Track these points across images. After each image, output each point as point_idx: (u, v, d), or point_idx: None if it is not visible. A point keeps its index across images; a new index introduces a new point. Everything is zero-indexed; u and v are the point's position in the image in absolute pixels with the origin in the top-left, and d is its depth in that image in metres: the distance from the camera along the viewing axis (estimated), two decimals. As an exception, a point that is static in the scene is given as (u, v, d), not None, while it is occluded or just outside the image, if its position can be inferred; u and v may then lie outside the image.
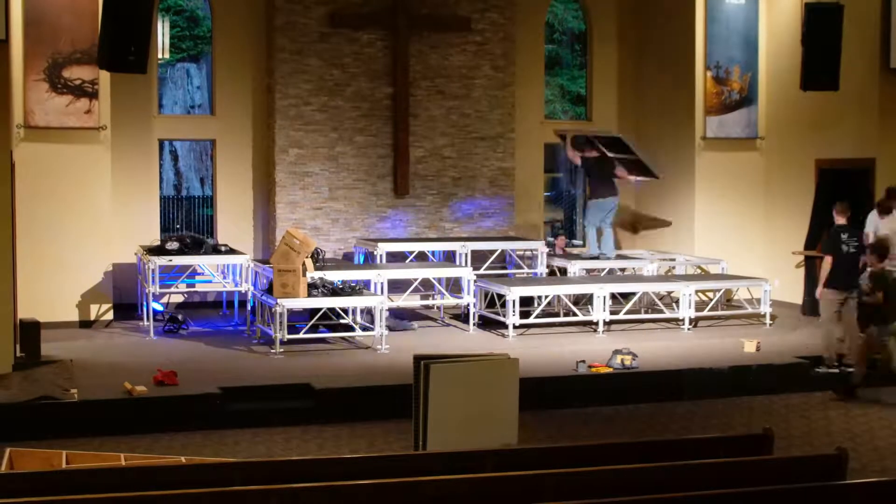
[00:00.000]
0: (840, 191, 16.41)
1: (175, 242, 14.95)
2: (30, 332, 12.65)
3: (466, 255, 15.97)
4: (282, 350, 13.22)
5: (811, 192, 16.75)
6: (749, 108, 18.21)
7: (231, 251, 15.26)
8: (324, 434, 10.75)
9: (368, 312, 14.27)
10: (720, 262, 16.55)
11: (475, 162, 17.60)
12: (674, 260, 17.12)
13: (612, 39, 19.20)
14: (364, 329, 14.10)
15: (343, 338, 14.24)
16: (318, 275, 14.06)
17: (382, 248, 15.66)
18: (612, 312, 14.75)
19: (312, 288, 13.74)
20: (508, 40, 17.76)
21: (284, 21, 16.54)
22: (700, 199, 17.89)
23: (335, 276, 14.78)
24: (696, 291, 15.40)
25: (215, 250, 15.13)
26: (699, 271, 16.82)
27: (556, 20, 19.26)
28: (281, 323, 13.18)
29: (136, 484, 6.48)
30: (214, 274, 15.38)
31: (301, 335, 13.65)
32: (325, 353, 13.62)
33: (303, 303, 13.57)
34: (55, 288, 14.75)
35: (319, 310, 13.82)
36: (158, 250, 14.85)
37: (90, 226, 15.11)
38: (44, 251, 14.74)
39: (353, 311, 14.27)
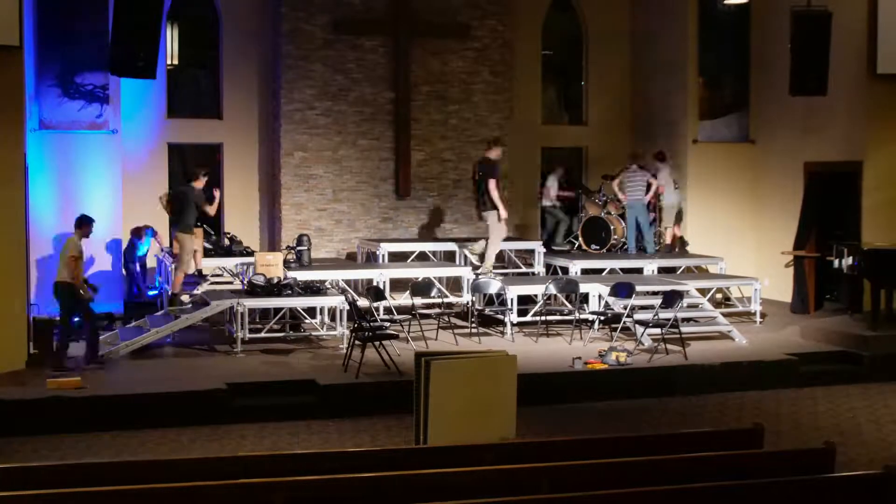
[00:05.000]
0: (828, 192, 16.73)
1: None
2: (43, 330, 12.88)
3: (466, 255, 16.24)
4: (242, 350, 13.43)
5: (800, 194, 16.99)
6: (740, 112, 18.52)
7: (251, 253, 15.48)
8: (328, 428, 10.98)
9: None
10: (719, 263, 16.79)
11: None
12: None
13: (607, 46, 19.45)
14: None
15: (306, 337, 14.46)
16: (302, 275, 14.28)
17: (384, 248, 15.91)
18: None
19: (285, 288, 13.94)
20: (507, 47, 17.99)
21: (290, 28, 16.80)
22: (692, 201, 18.17)
23: (337, 276, 15.08)
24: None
25: (237, 252, 15.37)
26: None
27: (554, 27, 19.49)
28: (243, 323, 13.40)
29: (145, 477, 6.62)
30: (234, 276, 15.65)
31: (262, 335, 13.86)
32: (290, 351, 13.82)
33: (266, 302, 13.83)
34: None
35: (281, 309, 14.09)
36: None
37: (101, 227, 15.36)
38: (56, 252, 14.98)
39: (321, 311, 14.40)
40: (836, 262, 14.96)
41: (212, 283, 15.48)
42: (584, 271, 16.13)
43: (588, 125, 19.62)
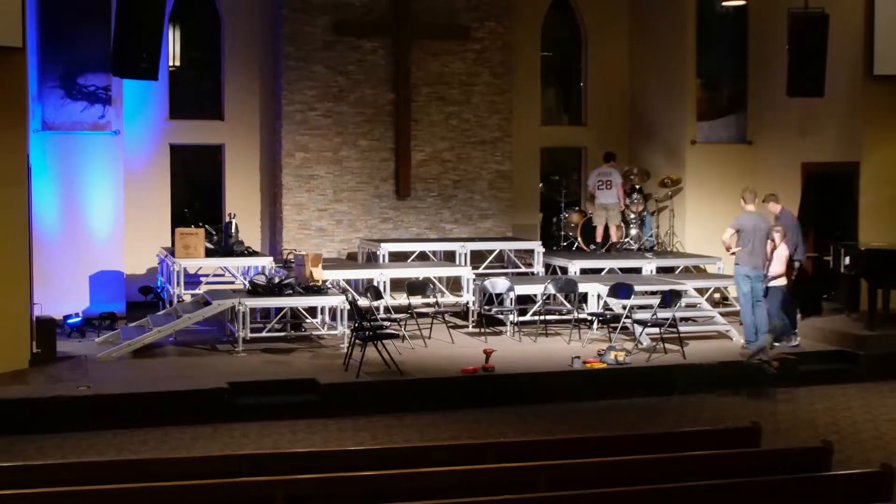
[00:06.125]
0: (826, 193, 16.79)
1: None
2: (46, 330, 12.98)
3: (466, 254, 16.29)
4: (244, 349, 13.49)
5: (798, 195, 16.99)
6: (738, 113, 18.57)
7: (254, 253, 15.58)
8: (328, 427, 11.03)
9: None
10: (716, 262, 16.84)
11: (474, 165, 17.91)
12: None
13: (606, 46, 19.51)
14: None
15: (307, 336, 14.52)
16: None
17: (385, 249, 15.98)
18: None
19: (286, 287, 14.00)
20: (506, 48, 18.06)
21: (290, 30, 16.87)
22: (690, 202, 18.23)
23: (339, 276, 15.15)
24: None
25: (238, 252, 15.37)
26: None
27: (553, 28, 19.56)
28: (244, 322, 13.45)
29: (147, 476, 6.69)
30: (237, 275, 15.68)
31: (263, 334, 13.90)
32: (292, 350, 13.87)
33: (267, 302, 13.88)
34: (69, 287, 15.12)
35: (282, 309, 14.13)
36: None
37: (103, 228, 15.47)
38: (59, 252, 15.11)
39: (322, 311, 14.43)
40: (834, 262, 15.02)
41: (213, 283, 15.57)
42: (583, 271, 16.18)
43: (587, 126, 19.68)
